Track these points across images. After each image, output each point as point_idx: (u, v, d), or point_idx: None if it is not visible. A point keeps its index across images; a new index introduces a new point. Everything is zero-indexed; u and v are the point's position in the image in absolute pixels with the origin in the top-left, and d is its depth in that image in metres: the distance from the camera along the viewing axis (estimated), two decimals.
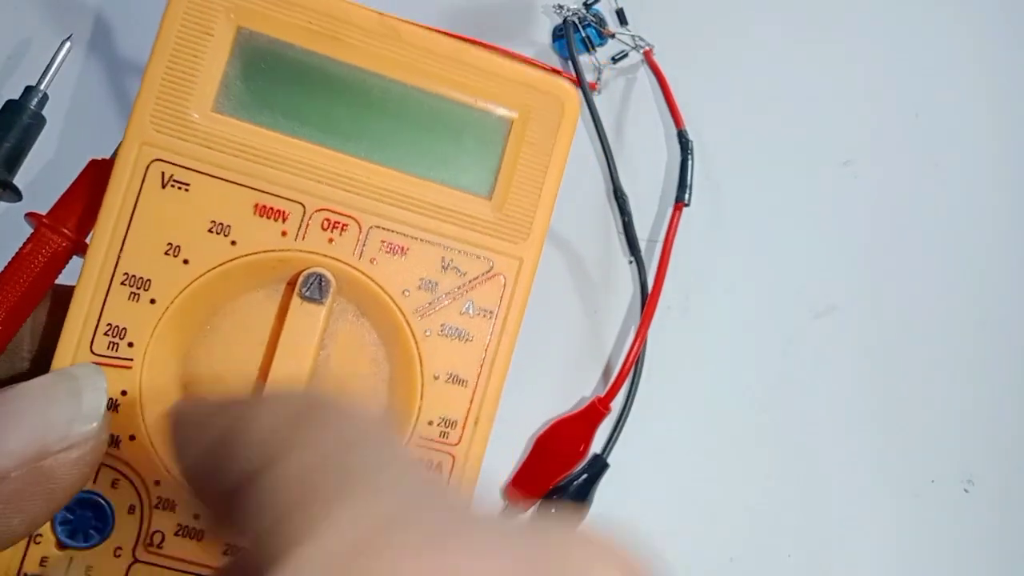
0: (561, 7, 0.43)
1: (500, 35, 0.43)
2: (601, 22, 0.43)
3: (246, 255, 0.18)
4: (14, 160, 0.30)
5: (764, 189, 0.45)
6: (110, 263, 0.18)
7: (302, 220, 0.19)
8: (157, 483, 0.18)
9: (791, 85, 0.46)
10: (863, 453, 0.44)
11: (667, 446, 0.40)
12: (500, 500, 0.38)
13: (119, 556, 0.18)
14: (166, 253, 0.18)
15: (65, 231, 0.20)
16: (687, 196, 0.41)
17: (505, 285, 0.20)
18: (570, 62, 0.41)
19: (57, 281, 0.20)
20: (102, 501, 0.18)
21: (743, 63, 0.46)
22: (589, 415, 0.38)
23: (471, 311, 0.20)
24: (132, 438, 0.18)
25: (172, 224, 0.18)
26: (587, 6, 0.43)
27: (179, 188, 0.18)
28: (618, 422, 0.38)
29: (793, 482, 0.42)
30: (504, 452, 0.38)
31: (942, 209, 0.48)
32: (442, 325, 0.20)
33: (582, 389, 0.40)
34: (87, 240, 0.21)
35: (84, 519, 0.18)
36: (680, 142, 0.42)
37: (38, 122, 0.31)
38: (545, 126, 0.20)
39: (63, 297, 0.19)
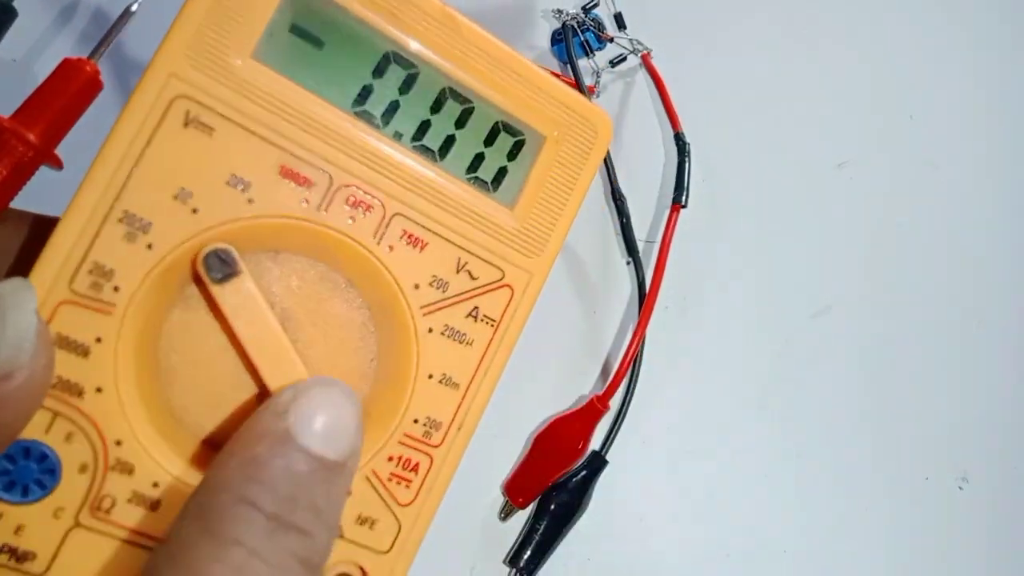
0: (560, 11, 0.43)
1: (500, 38, 0.43)
2: (600, 26, 0.44)
3: (263, 216, 0.17)
4: None
5: (760, 191, 0.45)
6: (109, 196, 0.16)
7: (327, 191, 0.18)
8: (119, 443, 0.17)
9: (787, 88, 0.47)
10: (858, 450, 0.44)
11: (664, 443, 0.41)
12: (500, 497, 0.38)
13: (58, 518, 0.16)
14: (175, 198, 0.17)
15: (30, 138, 0.18)
16: (684, 198, 0.41)
17: (512, 297, 0.20)
18: (569, 66, 0.42)
19: (40, 211, 0.18)
20: (50, 454, 0.16)
21: (740, 67, 0.46)
22: (588, 413, 0.38)
23: (476, 316, 0.20)
24: (99, 390, 0.16)
25: (187, 168, 0.17)
26: (586, 10, 0.44)
27: (202, 131, 0.17)
28: (616, 420, 0.39)
29: (789, 479, 0.43)
30: (503, 450, 0.39)
31: (936, 210, 0.48)
32: (445, 325, 0.19)
33: (581, 387, 0.40)
34: (56, 151, 0.19)
35: (26, 471, 0.16)
36: (677, 144, 0.43)
37: (7, 14, 0.26)
38: (577, 149, 0.20)
39: (43, 228, 0.17)
